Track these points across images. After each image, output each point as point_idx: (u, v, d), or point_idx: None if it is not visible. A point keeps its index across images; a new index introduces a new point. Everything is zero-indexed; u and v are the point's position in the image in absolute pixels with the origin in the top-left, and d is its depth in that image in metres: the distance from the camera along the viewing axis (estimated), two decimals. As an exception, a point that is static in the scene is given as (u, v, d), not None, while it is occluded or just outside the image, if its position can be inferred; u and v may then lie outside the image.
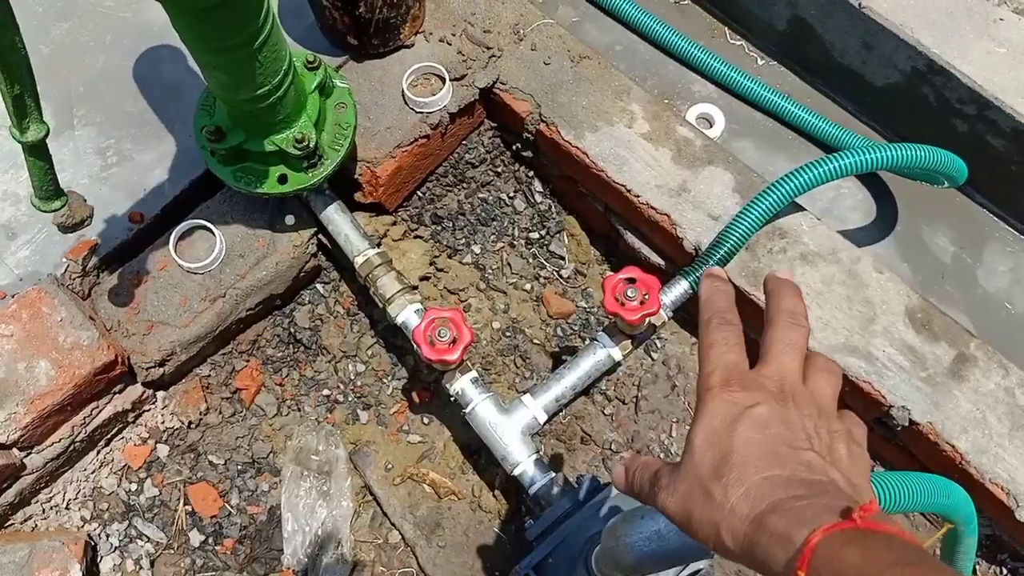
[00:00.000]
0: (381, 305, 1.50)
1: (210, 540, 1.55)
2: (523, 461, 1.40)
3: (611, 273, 1.39)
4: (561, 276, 1.78)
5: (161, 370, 1.52)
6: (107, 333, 1.45)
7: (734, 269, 1.50)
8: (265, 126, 1.35)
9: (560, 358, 1.71)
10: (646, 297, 1.35)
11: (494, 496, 1.59)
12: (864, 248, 1.58)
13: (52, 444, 1.42)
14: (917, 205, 1.75)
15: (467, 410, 1.44)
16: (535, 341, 1.72)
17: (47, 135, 1.07)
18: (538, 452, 1.43)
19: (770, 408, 0.60)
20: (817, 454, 0.58)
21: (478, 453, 1.63)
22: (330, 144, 1.45)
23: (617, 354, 1.45)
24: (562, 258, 1.79)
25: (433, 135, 1.63)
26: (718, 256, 1.46)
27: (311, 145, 1.36)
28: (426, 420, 1.66)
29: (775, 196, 1.43)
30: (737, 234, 1.44)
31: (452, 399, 1.46)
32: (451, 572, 1.54)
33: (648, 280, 1.36)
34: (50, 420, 1.38)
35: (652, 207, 1.58)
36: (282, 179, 1.43)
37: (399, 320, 1.48)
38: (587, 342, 1.48)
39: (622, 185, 1.59)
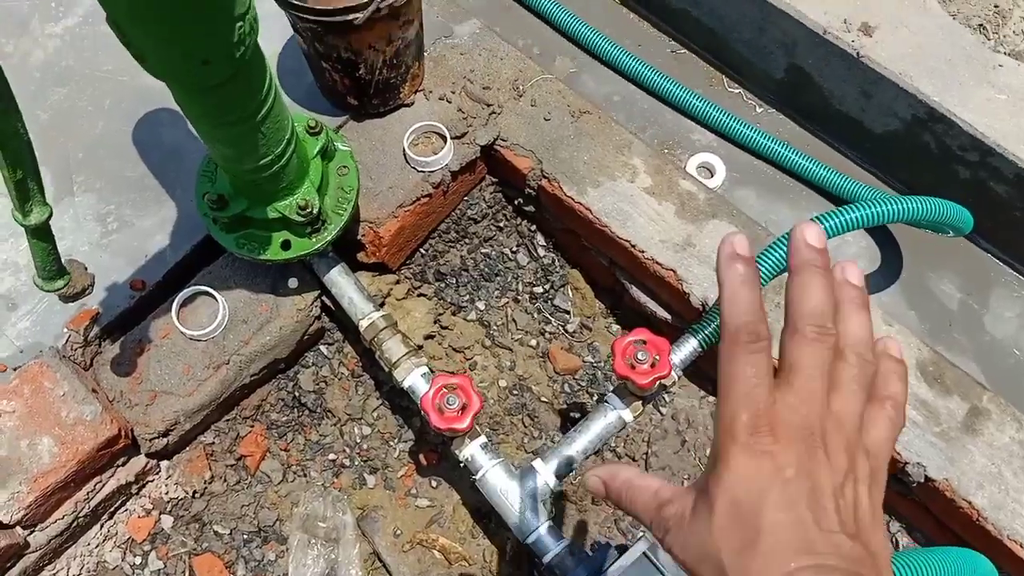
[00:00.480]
0: (387, 369, 1.49)
1: (217, 613, 1.52)
2: (536, 529, 1.37)
3: (621, 336, 1.38)
4: (566, 331, 1.76)
5: (165, 440, 1.49)
6: (110, 405, 1.43)
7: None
8: (268, 194, 1.34)
9: (568, 415, 1.70)
10: (657, 359, 1.33)
11: (506, 561, 1.57)
12: (871, 297, 1.57)
13: (55, 521, 1.39)
14: (922, 252, 1.75)
15: (477, 477, 1.42)
16: (543, 399, 1.71)
17: (50, 217, 1.06)
18: (551, 518, 1.40)
19: (799, 473, 0.54)
20: (846, 535, 0.53)
21: (488, 517, 1.60)
22: (333, 208, 1.44)
23: (628, 415, 1.43)
24: (567, 312, 1.78)
25: (435, 193, 1.62)
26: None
27: (314, 211, 1.35)
28: (434, 483, 1.63)
29: (781, 252, 1.43)
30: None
31: (461, 464, 1.44)
32: (463, 640, 1.51)
33: (658, 342, 1.35)
34: (53, 497, 1.35)
35: (658, 263, 1.57)
36: (285, 245, 1.42)
37: (406, 385, 1.46)
38: (596, 401, 1.47)
39: (627, 241, 1.59)
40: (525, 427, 1.68)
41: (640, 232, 1.59)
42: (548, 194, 1.65)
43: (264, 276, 1.55)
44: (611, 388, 1.52)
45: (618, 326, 1.78)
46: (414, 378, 1.46)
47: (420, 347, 1.67)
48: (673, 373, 1.41)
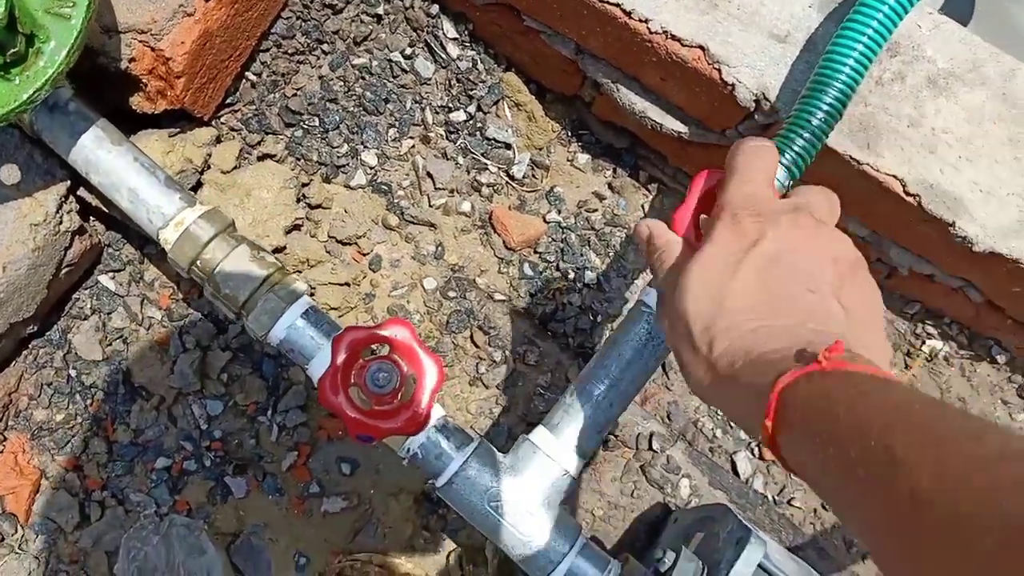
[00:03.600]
0: (233, 314, 0.78)
1: None
2: (563, 558, 0.76)
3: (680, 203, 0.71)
4: (512, 178, 1.08)
5: None
6: None
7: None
8: None
9: (541, 314, 1.05)
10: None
11: (488, 574, 0.95)
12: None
13: None
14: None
15: (439, 483, 0.77)
16: (496, 295, 1.04)
17: None
18: (580, 531, 0.78)
19: (781, 241, 0.53)
20: (821, 297, 0.51)
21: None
22: (47, 6, 0.67)
23: (687, 321, 0.80)
24: (507, 146, 1.08)
25: (257, -37, 0.86)
26: (823, 109, 0.79)
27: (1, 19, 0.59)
28: (346, 467, 0.97)
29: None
30: (850, 62, 0.78)
31: (404, 461, 0.78)
32: None
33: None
34: None
35: (674, 36, 0.89)
36: (-46, 101, 0.65)
37: (274, 339, 0.76)
38: (630, 307, 0.83)
39: (615, 4, 0.89)
40: (477, 348, 1.02)
41: (636, -14, 0.90)
42: (462, -59, 0.92)
43: (-56, 169, 0.78)
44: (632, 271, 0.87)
45: (586, 156, 1.11)
46: (288, 324, 0.76)
47: (282, 250, 0.95)
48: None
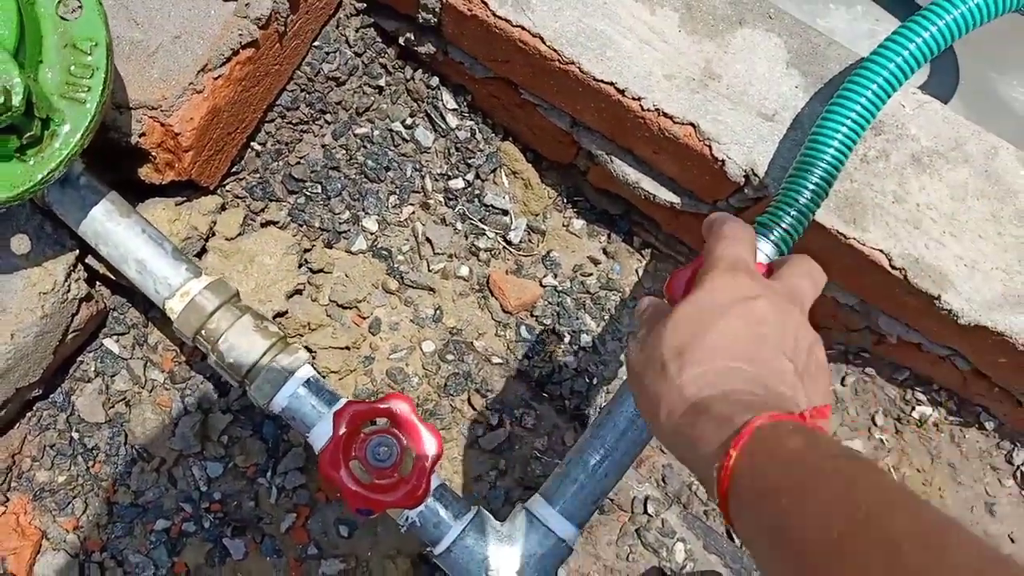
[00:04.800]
0: (236, 383, 0.80)
1: None
2: (559, 624, 0.77)
3: (679, 267, 0.73)
4: (509, 243, 1.11)
5: None
6: None
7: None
8: None
9: (537, 376, 1.07)
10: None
11: (486, 635, 0.96)
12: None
13: None
14: (985, 48, 1.18)
15: (437, 551, 0.78)
16: (493, 358, 1.06)
17: None
18: (576, 595, 0.80)
19: (772, 307, 0.54)
20: (795, 368, 0.52)
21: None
22: (63, 90, 0.70)
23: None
24: (504, 212, 1.11)
25: (265, 39, 0.89)
26: (809, 187, 0.82)
27: (14, 102, 0.61)
28: (344, 529, 0.98)
29: (891, 67, 0.82)
30: (836, 143, 0.81)
31: (402, 528, 0.79)
32: None
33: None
34: None
35: (666, 114, 0.92)
36: (-26, 181, 0.68)
37: (276, 408, 0.78)
38: (624, 382, 0.84)
39: (609, 84, 0.93)
40: (475, 411, 1.04)
41: (630, 65, 0.93)
42: (461, 16, 0.95)
43: (-42, 239, 0.81)
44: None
45: (581, 222, 1.14)
46: (291, 394, 0.78)
47: (284, 314, 0.97)
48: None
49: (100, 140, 0.83)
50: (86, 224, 0.79)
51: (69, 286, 0.84)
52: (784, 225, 0.81)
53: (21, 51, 0.65)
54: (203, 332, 0.78)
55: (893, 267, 0.90)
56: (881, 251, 0.89)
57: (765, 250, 0.81)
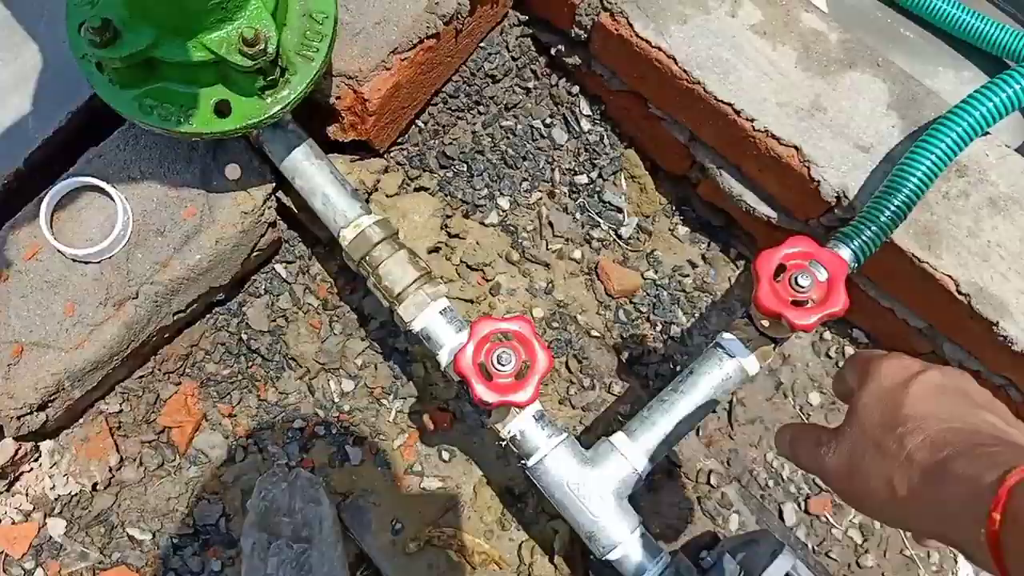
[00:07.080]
0: (387, 303, 0.98)
1: (138, 659, 1.03)
2: (623, 540, 0.91)
3: (767, 250, 0.88)
4: (620, 237, 1.26)
5: (43, 415, 0.97)
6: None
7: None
8: (191, 16, 0.79)
9: (626, 354, 1.21)
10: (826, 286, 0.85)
11: (553, 564, 1.10)
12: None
13: None
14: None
15: (530, 463, 0.93)
16: (592, 332, 1.22)
17: None
18: (640, 522, 0.94)
19: (944, 376, 0.56)
20: (997, 416, 0.53)
21: (524, 498, 1.13)
22: (298, 48, 0.89)
23: (753, 365, 0.96)
24: (619, 210, 1.27)
25: (445, 33, 1.08)
26: (891, 209, 0.96)
27: (269, 50, 0.81)
28: (446, 455, 1.15)
29: (974, 116, 0.95)
30: (919, 174, 0.95)
31: (503, 444, 0.95)
32: None
33: (828, 258, 0.86)
34: None
35: (773, 135, 1.07)
36: (222, 109, 0.88)
37: (417, 327, 0.96)
38: (707, 348, 0.99)
39: (728, 104, 1.08)
40: (571, 373, 1.20)
41: (747, 90, 1.08)
42: (609, 34, 1.12)
43: (187, 162, 1.01)
44: (704, 318, 1.03)
45: (686, 228, 1.29)
46: (430, 317, 0.95)
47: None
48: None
49: (306, 101, 1.03)
50: (288, 161, 0.99)
51: (264, 210, 1.04)
52: (864, 237, 0.95)
53: (277, 15, 0.85)
54: (367, 258, 0.96)
55: (960, 292, 1.01)
56: (950, 277, 1.02)
57: (845, 256, 0.95)
